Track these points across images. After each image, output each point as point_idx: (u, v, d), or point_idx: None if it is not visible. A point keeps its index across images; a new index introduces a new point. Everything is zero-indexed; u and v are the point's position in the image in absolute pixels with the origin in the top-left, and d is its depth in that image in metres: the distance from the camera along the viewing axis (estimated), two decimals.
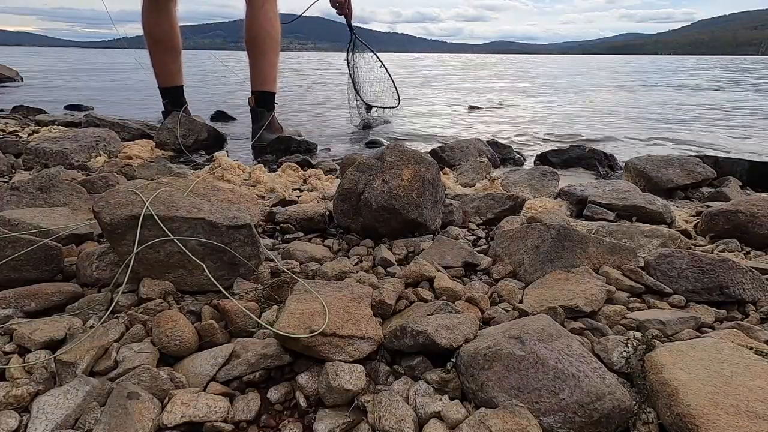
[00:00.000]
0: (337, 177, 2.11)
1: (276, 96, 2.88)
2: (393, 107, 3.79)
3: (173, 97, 2.86)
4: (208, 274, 0.91)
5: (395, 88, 3.72)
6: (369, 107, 3.76)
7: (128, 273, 0.89)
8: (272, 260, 1.11)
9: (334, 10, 3.35)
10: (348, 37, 3.58)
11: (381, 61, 3.67)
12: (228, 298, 0.87)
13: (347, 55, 3.64)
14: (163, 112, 2.88)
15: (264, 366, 0.75)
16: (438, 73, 13.73)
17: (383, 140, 3.19)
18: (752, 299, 1.00)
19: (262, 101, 2.80)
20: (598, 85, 9.26)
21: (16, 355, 0.77)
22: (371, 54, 3.65)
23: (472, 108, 5.24)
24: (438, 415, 0.67)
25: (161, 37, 2.71)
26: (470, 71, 15.05)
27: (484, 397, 0.68)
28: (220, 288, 0.88)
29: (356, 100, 3.70)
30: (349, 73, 3.64)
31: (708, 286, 1.00)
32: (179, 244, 0.92)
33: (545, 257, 1.08)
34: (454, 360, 0.74)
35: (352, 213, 1.31)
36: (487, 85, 9.03)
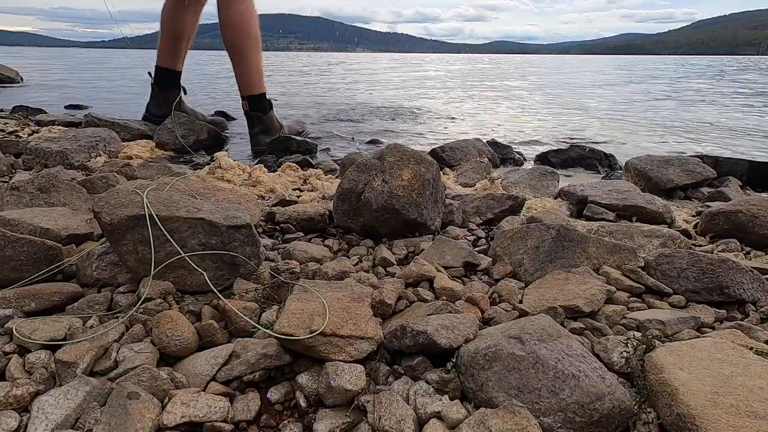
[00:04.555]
0: (337, 177, 2.11)
1: (266, 94, 2.87)
2: None
3: (166, 78, 2.86)
4: (207, 280, 0.91)
5: None
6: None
7: (150, 282, 0.91)
8: (272, 261, 1.11)
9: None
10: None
11: None
12: (226, 302, 0.87)
13: None
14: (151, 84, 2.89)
15: (264, 366, 0.75)
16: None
17: (383, 140, 3.20)
18: (752, 299, 1.00)
19: (254, 105, 2.78)
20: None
21: (16, 355, 0.77)
22: None
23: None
24: (438, 415, 0.67)
25: (181, 31, 2.76)
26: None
27: (484, 397, 0.68)
28: (218, 294, 0.88)
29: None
30: None
31: (708, 286, 1.00)
32: (189, 260, 0.93)
33: (545, 257, 1.08)
34: (454, 360, 0.74)
35: (352, 213, 1.31)
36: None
